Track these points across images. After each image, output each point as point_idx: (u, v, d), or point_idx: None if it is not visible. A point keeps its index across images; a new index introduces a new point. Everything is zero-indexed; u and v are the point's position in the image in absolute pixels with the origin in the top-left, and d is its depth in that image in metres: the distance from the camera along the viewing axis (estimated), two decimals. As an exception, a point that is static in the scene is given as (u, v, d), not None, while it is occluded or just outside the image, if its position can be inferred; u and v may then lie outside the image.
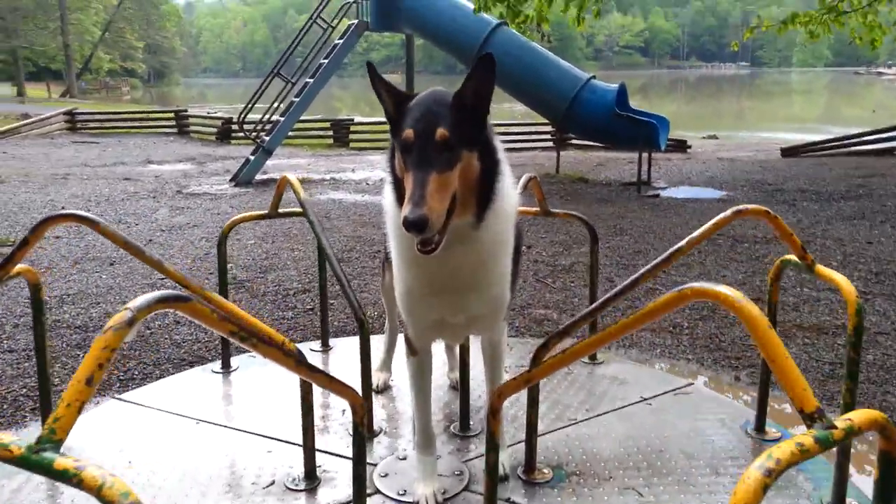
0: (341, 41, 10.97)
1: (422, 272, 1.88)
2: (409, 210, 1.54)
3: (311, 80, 10.60)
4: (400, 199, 1.75)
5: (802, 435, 1.01)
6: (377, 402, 2.76)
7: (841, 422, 1.04)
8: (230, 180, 10.36)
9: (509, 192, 1.87)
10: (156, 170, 11.90)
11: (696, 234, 2.16)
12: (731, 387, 3.39)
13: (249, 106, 11.07)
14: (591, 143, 14.43)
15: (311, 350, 3.36)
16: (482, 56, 1.68)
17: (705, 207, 8.06)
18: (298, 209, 2.85)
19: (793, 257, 2.19)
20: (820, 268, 2.11)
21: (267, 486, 2.17)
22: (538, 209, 2.95)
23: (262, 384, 2.94)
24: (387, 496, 2.14)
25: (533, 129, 15.24)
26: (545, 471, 2.26)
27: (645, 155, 9.71)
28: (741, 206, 2.17)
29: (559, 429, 2.54)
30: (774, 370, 1.13)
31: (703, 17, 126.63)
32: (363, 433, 1.71)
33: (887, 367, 3.48)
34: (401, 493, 2.15)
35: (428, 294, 1.91)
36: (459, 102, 1.71)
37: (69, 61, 47.51)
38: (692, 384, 2.94)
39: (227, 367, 3.14)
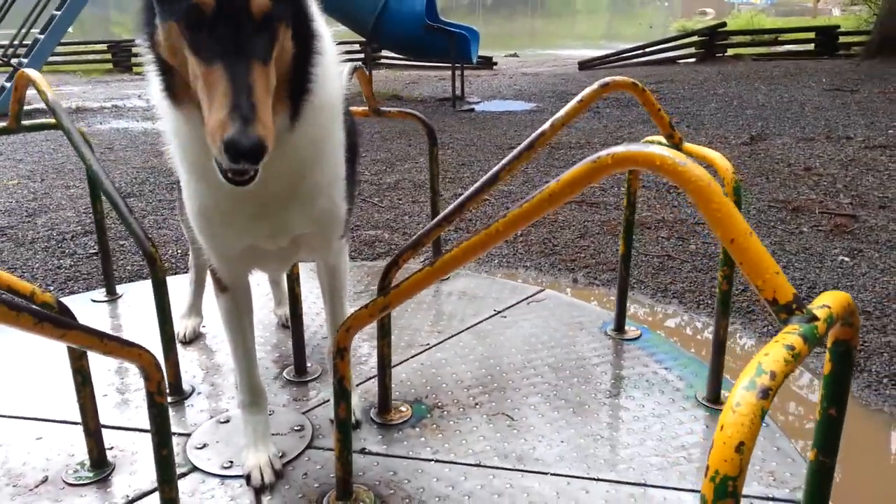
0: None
1: (219, 186, 1.34)
2: (238, 130, 1.04)
3: (74, -10, 8.98)
4: (173, 89, 1.23)
5: (785, 334, 0.74)
6: (187, 354, 2.28)
7: (818, 310, 0.81)
8: (-18, 114, 8.66)
9: (332, 76, 1.41)
10: None
11: (560, 113, 1.92)
12: (575, 290, 3.33)
13: (-4, 22, 9.20)
14: (403, 62, 14.02)
15: (92, 301, 2.74)
16: None
17: (519, 119, 8.10)
18: (51, 119, 2.20)
19: (657, 138, 2.00)
20: (689, 146, 1.93)
21: (37, 486, 1.63)
22: (365, 108, 2.55)
23: (26, 347, 2.30)
24: (207, 473, 1.70)
25: (340, 48, 14.43)
26: (402, 409, 1.94)
27: (458, 71, 9.54)
28: (608, 79, 1.95)
29: (411, 357, 2.24)
30: (734, 252, 0.83)
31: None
32: (162, 402, 1.28)
33: (709, 254, 3.61)
34: (226, 465, 1.72)
35: (232, 213, 1.43)
36: None
37: None
38: (544, 290, 2.78)
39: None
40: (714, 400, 2.01)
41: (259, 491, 1.64)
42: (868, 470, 2.10)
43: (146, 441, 1.79)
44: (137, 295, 2.79)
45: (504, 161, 1.87)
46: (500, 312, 2.56)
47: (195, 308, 2.47)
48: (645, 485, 1.65)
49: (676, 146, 1.92)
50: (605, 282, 3.36)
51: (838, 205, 4.30)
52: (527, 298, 2.68)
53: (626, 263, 2.34)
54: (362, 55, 13.12)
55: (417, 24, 8.93)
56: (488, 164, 5.63)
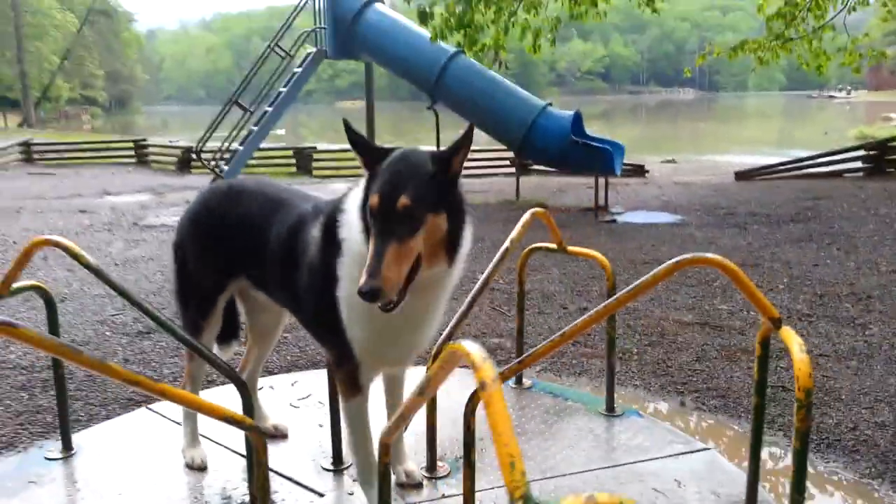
0: (300, 69, 11.00)
1: (399, 317, 1.89)
2: (364, 282, 1.67)
3: (270, 109, 10.58)
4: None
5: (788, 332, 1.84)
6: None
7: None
8: (188, 211, 10.24)
9: (468, 235, 1.99)
10: (112, 201, 11.71)
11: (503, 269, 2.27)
12: (675, 413, 3.43)
13: (207, 135, 11.01)
14: (553, 169, 14.62)
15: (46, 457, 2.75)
16: (469, 126, 1.80)
17: (660, 232, 8.20)
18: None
19: (544, 244, 3.12)
20: (572, 248, 3.07)
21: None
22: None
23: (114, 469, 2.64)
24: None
25: (494, 154, 15.32)
26: (440, 464, 2.54)
27: (602, 180, 9.88)
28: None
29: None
30: (753, 301, 1.94)
31: (661, 44, 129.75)
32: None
33: (826, 388, 3.57)
34: None
35: (401, 331, 2.02)
36: (440, 169, 1.81)
37: (26, 90, 46.69)
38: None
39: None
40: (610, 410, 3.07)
41: None
42: None
43: None
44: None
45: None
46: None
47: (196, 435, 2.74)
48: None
49: (563, 249, 3.11)
50: (711, 408, 3.44)
51: None
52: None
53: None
54: (511, 162, 13.89)
55: (563, 139, 9.48)
56: (620, 278, 5.83)
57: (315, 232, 2.12)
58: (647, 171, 16.05)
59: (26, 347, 4.27)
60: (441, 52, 10.20)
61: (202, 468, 2.59)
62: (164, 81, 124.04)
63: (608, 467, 2.60)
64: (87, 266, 2.30)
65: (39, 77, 49.60)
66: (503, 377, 2.16)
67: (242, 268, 2.46)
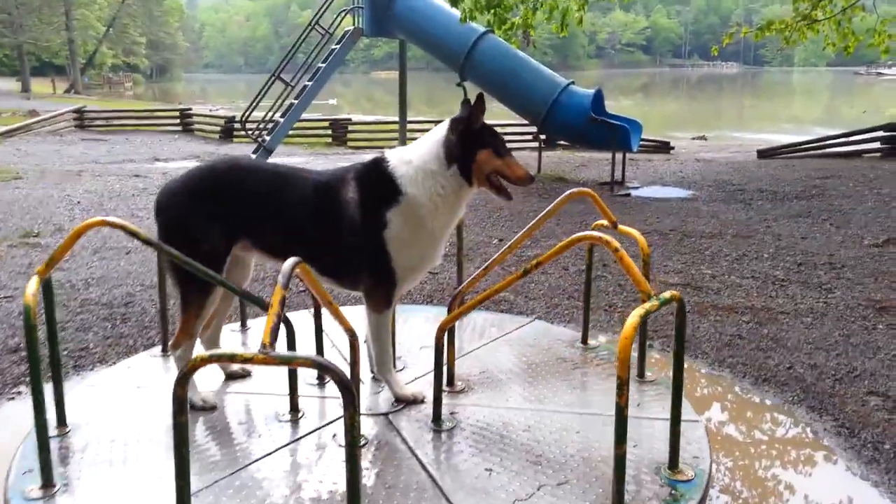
0: (338, 46, 11.67)
1: (448, 224, 2.77)
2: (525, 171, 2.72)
3: (310, 84, 11.30)
4: (468, 178, 2.68)
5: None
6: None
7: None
8: (233, 177, 11.06)
9: None
10: (163, 167, 12.63)
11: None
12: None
13: (252, 107, 11.78)
14: (575, 144, 15.10)
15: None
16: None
17: (669, 206, 8.75)
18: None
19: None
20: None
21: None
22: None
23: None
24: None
25: (522, 129, 15.84)
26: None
27: (620, 156, 10.41)
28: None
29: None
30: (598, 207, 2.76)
31: (706, 16, 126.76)
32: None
33: (777, 338, 4.20)
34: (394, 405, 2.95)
35: (432, 254, 2.79)
36: None
37: (73, 57, 48.19)
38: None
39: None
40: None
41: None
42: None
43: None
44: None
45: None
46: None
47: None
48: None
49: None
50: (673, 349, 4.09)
51: (931, 309, 4.60)
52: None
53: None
54: (534, 137, 14.41)
55: (583, 116, 10.02)
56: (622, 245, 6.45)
57: (351, 193, 2.65)
58: (673, 148, 16.43)
59: (104, 289, 5.14)
60: (471, 31, 10.75)
61: (214, 407, 2.92)
62: (203, 49, 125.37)
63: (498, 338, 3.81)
64: (146, 241, 2.51)
65: (85, 44, 51.09)
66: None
67: (246, 230, 2.73)
